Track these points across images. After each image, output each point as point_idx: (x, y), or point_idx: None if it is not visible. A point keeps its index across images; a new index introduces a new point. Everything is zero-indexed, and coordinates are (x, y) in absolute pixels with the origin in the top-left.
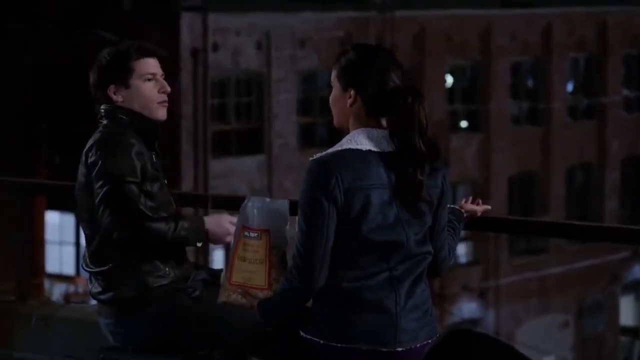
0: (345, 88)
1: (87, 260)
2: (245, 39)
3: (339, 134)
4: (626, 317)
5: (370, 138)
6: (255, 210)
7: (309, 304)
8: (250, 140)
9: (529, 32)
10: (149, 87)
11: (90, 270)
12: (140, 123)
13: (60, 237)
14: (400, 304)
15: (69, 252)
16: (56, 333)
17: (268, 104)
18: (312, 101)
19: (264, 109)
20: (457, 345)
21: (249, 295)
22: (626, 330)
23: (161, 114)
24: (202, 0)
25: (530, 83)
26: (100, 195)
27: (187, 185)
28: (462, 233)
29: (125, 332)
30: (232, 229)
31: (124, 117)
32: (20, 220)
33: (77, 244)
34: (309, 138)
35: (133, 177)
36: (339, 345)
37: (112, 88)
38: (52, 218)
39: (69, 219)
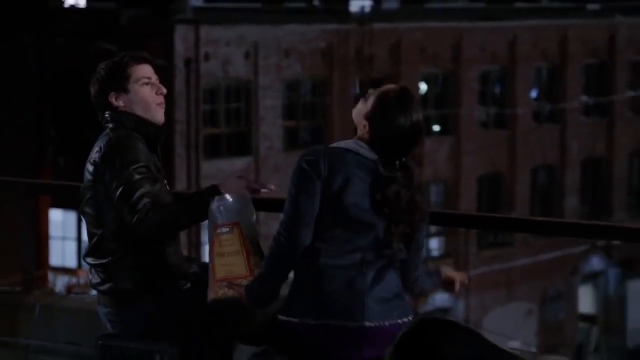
0: (364, 116)
1: (88, 253)
2: (234, 49)
3: (321, 136)
4: (584, 305)
5: (362, 147)
6: (221, 208)
7: (287, 290)
8: (239, 143)
9: (496, 44)
10: (146, 90)
11: (91, 262)
12: (144, 127)
13: (63, 233)
14: (368, 282)
15: (71, 246)
16: (59, 321)
17: (255, 109)
18: (296, 106)
19: (252, 113)
20: (427, 332)
21: (235, 285)
22: (584, 318)
23: (160, 116)
24: (195, 14)
25: (497, 90)
26: (119, 189)
27: (180, 185)
28: (435, 228)
29: (122, 320)
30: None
31: (129, 122)
32: (26, 218)
33: (79, 239)
34: (293, 140)
35: (145, 167)
36: (312, 322)
37: (112, 95)
38: (56, 216)
39: (71, 217)
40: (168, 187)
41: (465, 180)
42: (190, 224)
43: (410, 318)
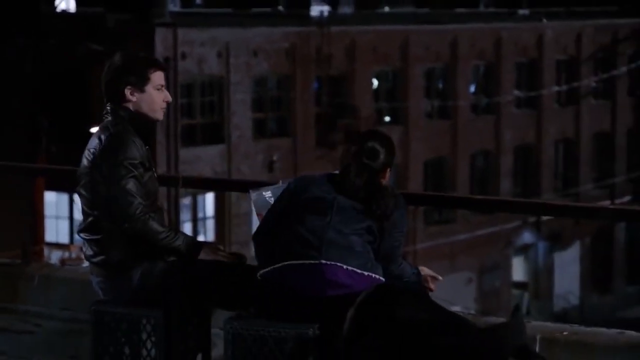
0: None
1: (83, 229)
2: (208, 49)
3: (286, 127)
4: (517, 274)
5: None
6: (258, 202)
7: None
8: (213, 132)
9: (439, 44)
10: (158, 95)
11: (85, 237)
12: (139, 120)
13: (57, 213)
14: (330, 235)
15: (64, 225)
16: (55, 290)
17: (227, 103)
18: (263, 100)
19: (224, 106)
20: (384, 298)
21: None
22: (517, 285)
23: (160, 116)
24: (173, 18)
25: (440, 85)
26: (113, 185)
27: (161, 169)
28: None
29: (112, 288)
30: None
31: (126, 116)
32: (24, 199)
33: (71, 218)
34: (261, 130)
35: (138, 165)
36: (277, 266)
37: (129, 89)
38: (50, 197)
39: (64, 198)
40: (156, 175)
41: (413, 164)
42: (161, 250)
43: (376, 276)
